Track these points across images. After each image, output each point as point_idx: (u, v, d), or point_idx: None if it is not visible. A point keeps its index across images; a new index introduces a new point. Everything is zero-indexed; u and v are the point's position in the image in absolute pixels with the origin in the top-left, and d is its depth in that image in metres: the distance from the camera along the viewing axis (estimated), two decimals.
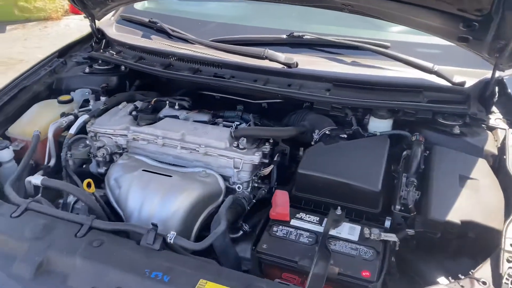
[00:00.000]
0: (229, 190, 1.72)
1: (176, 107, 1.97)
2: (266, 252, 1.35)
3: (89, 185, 1.62)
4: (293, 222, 1.46)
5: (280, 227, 1.44)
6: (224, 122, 1.87)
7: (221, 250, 1.46)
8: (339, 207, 1.49)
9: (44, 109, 2.01)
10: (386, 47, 1.96)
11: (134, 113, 1.90)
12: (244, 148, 1.69)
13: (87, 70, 2.22)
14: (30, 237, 1.35)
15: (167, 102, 1.99)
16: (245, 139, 1.69)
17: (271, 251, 1.35)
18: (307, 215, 1.49)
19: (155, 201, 1.54)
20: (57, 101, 2.05)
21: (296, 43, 2.09)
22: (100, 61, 2.28)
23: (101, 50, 2.32)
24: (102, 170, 1.86)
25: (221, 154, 1.69)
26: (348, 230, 1.42)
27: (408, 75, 1.81)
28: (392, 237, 1.38)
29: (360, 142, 1.70)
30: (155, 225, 1.34)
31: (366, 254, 1.33)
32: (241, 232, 1.65)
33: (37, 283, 1.25)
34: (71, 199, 1.67)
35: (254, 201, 1.70)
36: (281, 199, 1.49)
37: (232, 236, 1.63)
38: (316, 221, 1.47)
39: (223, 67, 2.01)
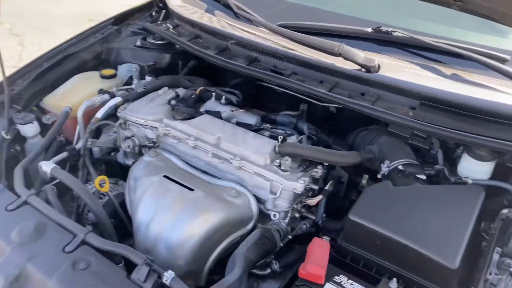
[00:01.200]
0: (263, 216, 1.40)
1: (223, 101, 1.66)
2: None
3: (102, 183, 1.40)
4: (328, 287, 1.10)
5: None
6: (272, 130, 1.52)
7: None
8: (394, 279, 1.10)
9: (83, 82, 1.82)
10: (503, 60, 1.45)
11: (173, 102, 1.62)
12: (287, 171, 1.34)
13: (138, 43, 1.98)
14: (16, 241, 1.16)
15: (214, 93, 1.68)
16: (289, 159, 1.34)
17: None
18: (349, 281, 1.12)
19: (167, 219, 1.27)
20: (99, 75, 1.85)
21: (382, 40, 1.64)
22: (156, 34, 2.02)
23: (159, 22, 2.06)
24: (129, 162, 1.63)
25: (257, 173, 1.36)
26: None
27: None
28: None
29: (443, 190, 1.26)
30: (150, 259, 1.07)
31: None
32: (269, 270, 1.34)
33: None
34: None
35: (290, 237, 1.37)
36: (317, 253, 1.14)
37: (257, 272, 1.33)
38: None
39: (285, 59, 1.65)
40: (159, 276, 1.07)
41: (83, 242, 1.16)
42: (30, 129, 1.61)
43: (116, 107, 1.63)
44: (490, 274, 1.08)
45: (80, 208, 1.47)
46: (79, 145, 1.66)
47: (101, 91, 1.73)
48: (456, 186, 1.29)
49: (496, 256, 1.11)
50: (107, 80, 1.84)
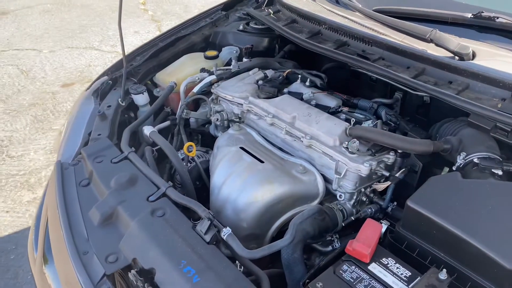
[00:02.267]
0: (331, 196, 1.44)
1: (307, 83, 1.72)
2: None
3: (190, 148, 1.59)
4: (373, 266, 1.11)
5: (352, 267, 1.12)
6: (349, 113, 1.54)
7: (287, 264, 1.24)
8: (444, 270, 1.06)
9: (189, 61, 2.04)
10: None
11: (260, 82, 1.74)
12: (354, 153, 1.36)
13: (241, 27, 2.14)
14: (113, 187, 1.40)
15: (299, 75, 1.75)
16: (357, 141, 1.35)
17: None
18: (396, 265, 1.11)
19: (236, 184, 1.40)
20: (204, 56, 2.05)
21: (483, 27, 1.53)
22: None
23: (262, 8, 2.19)
24: (218, 133, 1.80)
25: (325, 152, 1.40)
26: None
27: None
28: None
29: None
30: (212, 215, 1.21)
31: None
32: (330, 248, 1.38)
33: (99, 232, 1.29)
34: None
35: (352, 218, 1.39)
36: (367, 233, 1.15)
37: (319, 248, 1.39)
38: (405, 277, 1.08)
39: (374, 44, 1.63)
40: (219, 231, 1.20)
41: (164, 195, 1.35)
42: (141, 99, 1.88)
43: (211, 84, 1.81)
44: None
45: (172, 170, 1.68)
46: (178, 113, 1.89)
47: (203, 70, 1.93)
48: None
49: None
50: (210, 60, 2.03)
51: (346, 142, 1.38)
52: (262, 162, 1.43)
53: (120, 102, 1.81)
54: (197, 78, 1.87)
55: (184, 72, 1.96)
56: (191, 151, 1.59)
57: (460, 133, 1.38)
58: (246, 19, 2.23)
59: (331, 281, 1.09)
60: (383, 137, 1.33)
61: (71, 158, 1.60)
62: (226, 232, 1.19)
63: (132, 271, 1.15)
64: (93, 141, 1.60)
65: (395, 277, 1.08)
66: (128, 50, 1.96)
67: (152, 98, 1.94)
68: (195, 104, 1.91)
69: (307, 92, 1.66)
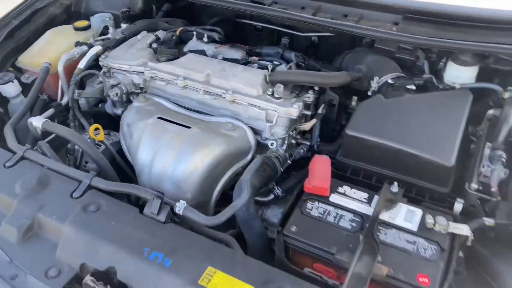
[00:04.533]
0: (261, 147, 1.42)
1: (205, 39, 1.63)
2: (295, 236, 1.07)
3: (97, 131, 1.39)
4: (334, 197, 1.15)
5: (316, 203, 1.14)
6: (260, 62, 1.51)
7: (243, 222, 1.21)
8: (395, 183, 1.15)
9: (57, 37, 1.76)
10: None
11: (154, 45, 1.59)
12: (280, 98, 1.35)
13: None
14: (21, 194, 1.16)
15: (195, 32, 1.65)
16: (282, 86, 1.35)
17: (301, 236, 1.07)
18: (353, 190, 1.17)
19: (169, 158, 1.28)
20: (73, 28, 1.78)
21: None
22: None
23: None
24: (118, 111, 1.61)
25: (252, 103, 1.37)
26: (405, 215, 1.10)
27: (510, 7, 1.34)
28: (463, 230, 1.04)
29: (433, 97, 1.30)
30: (161, 193, 1.09)
31: (427, 251, 1.01)
32: (272, 196, 1.38)
33: (23, 249, 1.07)
34: None
35: (289, 162, 1.40)
36: (320, 168, 1.18)
37: (261, 199, 1.37)
38: (365, 199, 1.15)
39: None
40: (172, 208, 1.10)
41: (90, 187, 1.17)
42: (11, 89, 1.57)
43: (97, 56, 1.59)
44: (483, 167, 1.15)
45: (77, 161, 1.46)
46: (64, 100, 1.63)
47: (78, 43, 1.68)
48: (445, 92, 1.33)
49: (487, 151, 1.17)
50: (81, 32, 1.78)
51: (270, 89, 1.37)
52: (188, 127, 1.33)
53: None
54: (75, 53, 1.62)
55: (55, 49, 1.68)
56: (98, 134, 1.40)
57: (366, 61, 1.48)
58: None
59: (302, 222, 1.11)
60: (305, 77, 1.36)
61: None
62: (181, 206, 1.09)
63: (87, 277, 0.98)
64: None
65: (356, 201, 1.14)
66: None
67: (22, 87, 1.63)
68: (79, 84, 1.66)
69: (209, 48, 1.58)
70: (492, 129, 1.26)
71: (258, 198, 1.37)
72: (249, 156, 1.39)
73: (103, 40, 1.72)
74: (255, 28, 1.88)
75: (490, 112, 1.31)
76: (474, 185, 1.15)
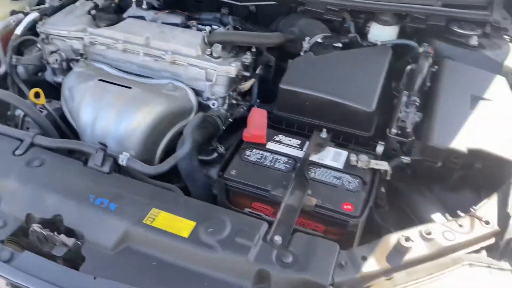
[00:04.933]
0: (202, 107, 1.49)
1: (144, 6, 1.66)
2: (234, 179, 1.16)
3: (37, 95, 1.40)
4: (270, 145, 1.25)
5: (254, 150, 1.23)
6: (198, 26, 1.57)
7: (187, 174, 1.27)
8: (324, 130, 1.27)
9: None
10: None
11: (93, 12, 1.60)
12: (219, 57, 1.42)
13: None
14: None
15: (134, 0, 1.67)
16: (220, 45, 1.42)
17: (240, 178, 1.16)
18: (287, 138, 1.27)
19: (111, 117, 1.32)
20: None
21: None
22: None
23: None
24: (59, 78, 1.61)
25: (191, 64, 1.43)
26: (332, 156, 1.21)
27: None
28: (383, 165, 1.18)
29: (357, 53, 1.43)
30: (103, 145, 1.14)
31: (351, 184, 1.13)
32: (215, 154, 1.45)
33: None
34: (19, 111, 1.44)
35: (231, 120, 1.48)
36: (257, 119, 1.27)
37: (204, 158, 1.43)
38: (297, 144, 1.25)
39: None
40: (115, 160, 1.14)
41: (32, 144, 1.18)
42: None
43: (34, 23, 1.58)
44: (400, 112, 1.28)
45: (18, 127, 1.45)
46: (2, 70, 1.61)
47: (14, 12, 1.65)
48: (368, 48, 1.46)
49: (404, 98, 1.31)
50: (16, 1, 1.75)
51: (209, 50, 1.43)
52: (129, 88, 1.37)
53: None
54: (11, 21, 1.60)
55: None
56: (39, 98, 1.41)
57: (298, 24, 1.58)
58: None
59: (241, 166, 1.19)
60: (243, 37, 1.43)
61: None
62: (124, 158, 1.14)
63: (33, 225, 1.02)
64: None
65: (290, 147, 1.25)
66: None
67: None
68: (17, 53, 1.64)
69: (148, 14, 1.62)
70: (410, 81, 1.41)
71: (202, 157, 1.44)
72: (191, 116, 1.45)
73: (39, 9, 1.70)
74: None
75: (409, 67, 1.45)
76: (394, 130, 1.28)
